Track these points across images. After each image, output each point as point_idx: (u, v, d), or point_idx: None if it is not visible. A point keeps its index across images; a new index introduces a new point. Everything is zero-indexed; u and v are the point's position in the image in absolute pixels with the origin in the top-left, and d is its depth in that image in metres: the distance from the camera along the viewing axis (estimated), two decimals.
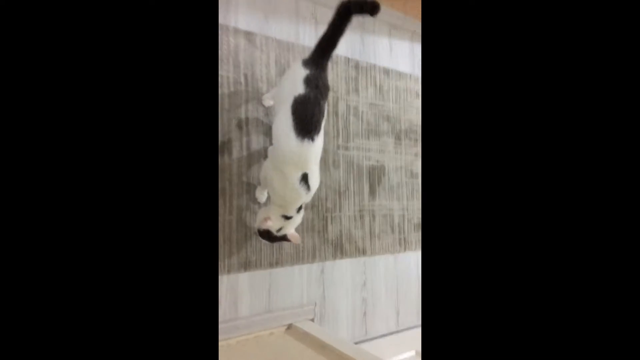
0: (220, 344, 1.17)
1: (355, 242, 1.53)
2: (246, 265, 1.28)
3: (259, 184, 1.29)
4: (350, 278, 1.52)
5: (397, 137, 1.69)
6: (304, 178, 1.10)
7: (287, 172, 1.09)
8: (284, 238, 1.17)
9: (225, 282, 1.24)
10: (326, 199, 1.47)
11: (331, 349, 1.12)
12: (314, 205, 1.43)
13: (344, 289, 1.50)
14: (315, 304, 1.41)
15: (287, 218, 1.15)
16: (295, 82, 1.08)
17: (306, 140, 1.06)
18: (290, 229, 1.18)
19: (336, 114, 1.52)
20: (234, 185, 1.27)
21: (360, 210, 1.55)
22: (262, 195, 1.29)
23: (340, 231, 1.50)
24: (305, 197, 1.14)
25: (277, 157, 1.12)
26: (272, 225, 1.14)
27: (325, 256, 1.45)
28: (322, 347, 1.14)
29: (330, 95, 1.49)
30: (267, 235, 1.15)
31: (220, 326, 1.19)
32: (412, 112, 1.73)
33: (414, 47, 1.79)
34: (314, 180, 1.14)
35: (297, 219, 1.19)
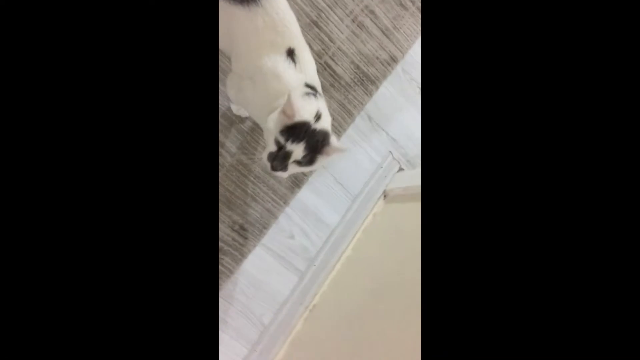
0: (339, 263, 1.05)
1: (376, 57, 1.15)
2: (296, 183, 1.05)
3: (231, 101, 0.95)
4: (401, 96, 1.20)
5: None
6: (290, 54, 0.74)
7: (263, 63, 0.73)
8: (325, 138, 0.71)
9: (292, 213, 1.05)
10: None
11: None
12: None
13: (404, 111, 1.20)
14: (390, 152, 1.16)
15: (313, 90, 0.74)
16: None
17: None
18: (325, 109, 0.75)
19: None
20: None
21: (353, 20, 1.12)
22: (240, 110, 0.97)
23: (352, 62, 1.12)
24: (302, 76, 0.75)
25: (239, 54, 0.77)
26: (306, 110, 0.68)
27: (359, 102, 1.13)
28: None
29: None
30: (303, 132, 0.67)
31: (325, 252, 1.05)
32: None
33: None
34: (306, 53, 0.77)
35: (320, 93, 0.78)
